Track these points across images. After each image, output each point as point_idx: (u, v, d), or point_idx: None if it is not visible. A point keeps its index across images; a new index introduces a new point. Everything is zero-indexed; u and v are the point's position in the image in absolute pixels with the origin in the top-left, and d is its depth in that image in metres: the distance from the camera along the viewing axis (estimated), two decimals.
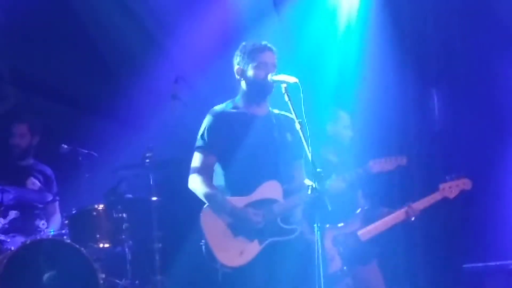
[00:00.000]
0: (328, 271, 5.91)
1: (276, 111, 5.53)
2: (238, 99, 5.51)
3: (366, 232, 6.31)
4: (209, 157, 5.37)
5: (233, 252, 5.21)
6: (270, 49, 5.43)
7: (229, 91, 5.63)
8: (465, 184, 6.41)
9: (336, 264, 6.15)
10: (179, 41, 8.23)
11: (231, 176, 5.37)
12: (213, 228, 5.24)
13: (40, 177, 7.63)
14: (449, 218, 7.95)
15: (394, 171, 5.96)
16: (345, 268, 6.18)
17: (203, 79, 8.05)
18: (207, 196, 5.29)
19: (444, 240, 8.26)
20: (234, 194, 5.31)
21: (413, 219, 6.38)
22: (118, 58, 8.37)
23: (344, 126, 6.57)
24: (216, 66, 7.37)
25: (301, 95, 4.94)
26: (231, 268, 5.22)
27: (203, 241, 5.25)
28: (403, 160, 5.94)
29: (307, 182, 5.16)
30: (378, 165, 5.82)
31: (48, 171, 7.70)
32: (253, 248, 5.24)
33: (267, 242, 5.25)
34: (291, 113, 5.03)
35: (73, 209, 7.37)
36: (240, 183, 5.32)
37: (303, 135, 4.89)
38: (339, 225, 6.28)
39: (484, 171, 7.96)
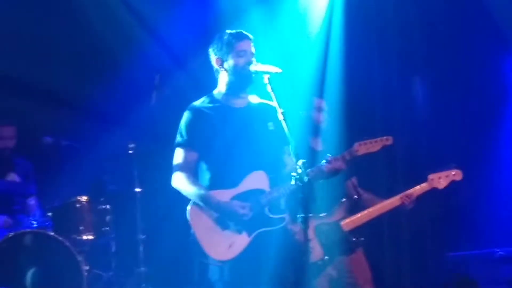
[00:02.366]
0: (309, 260, 5.87)
1: (256, 100, 5.47)
2: (217, 93, 5.44)
3: (350, 222, 6.25)
4: (190, 153, 5.32)
5: (222, 246, 5.16)
6: (247, 37, 5.38)
7: (211, 83, 5.56)
8: (455, 174, 6.32)
9: (317, 254, 6.08)
10: (161, 31, 8.19)
11: (215, 171, 5.31)
12: (200, 224, 5.19)
13: (21, 171, 7.56)
14: (434, 206, 7.94)
15: (379, 152, 5.86)
16: (326, 257, 6.13)
17: (185, 71, 8.01)
18: (191, 193, 5.25)
19: (428, 228, 8.26)
20: (219, 188, 5.25)
21: (408, 206, 6.31)
22: (100, 49, 8.29)
23: (316, 109, 6.47)
24: (199, 58, 7.31)
25: (285, 85, 4.90)
26: (221, 262, 5.18)
27: (192, 236, 5.21)
28: (388, 140, 5.83)
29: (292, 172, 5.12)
30: (364, 147, 5.72)
31: (29, 165, 7.63)
32: (242, 241, 5.19)
33: (255, 233, 5.21)
34: (274, 104, 4.98)
35: (56, 201, 7.33)
36: (225, 177, 5.27)
37: (286, 125, 4.84)
38: (323, 214, 6.22)
39: (469, 158, 7.96)
